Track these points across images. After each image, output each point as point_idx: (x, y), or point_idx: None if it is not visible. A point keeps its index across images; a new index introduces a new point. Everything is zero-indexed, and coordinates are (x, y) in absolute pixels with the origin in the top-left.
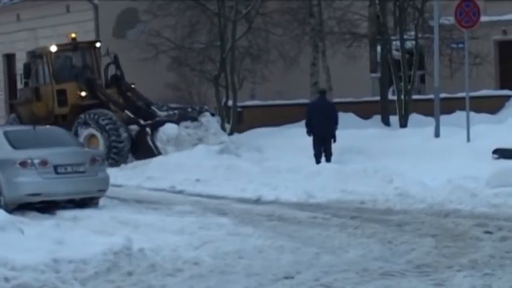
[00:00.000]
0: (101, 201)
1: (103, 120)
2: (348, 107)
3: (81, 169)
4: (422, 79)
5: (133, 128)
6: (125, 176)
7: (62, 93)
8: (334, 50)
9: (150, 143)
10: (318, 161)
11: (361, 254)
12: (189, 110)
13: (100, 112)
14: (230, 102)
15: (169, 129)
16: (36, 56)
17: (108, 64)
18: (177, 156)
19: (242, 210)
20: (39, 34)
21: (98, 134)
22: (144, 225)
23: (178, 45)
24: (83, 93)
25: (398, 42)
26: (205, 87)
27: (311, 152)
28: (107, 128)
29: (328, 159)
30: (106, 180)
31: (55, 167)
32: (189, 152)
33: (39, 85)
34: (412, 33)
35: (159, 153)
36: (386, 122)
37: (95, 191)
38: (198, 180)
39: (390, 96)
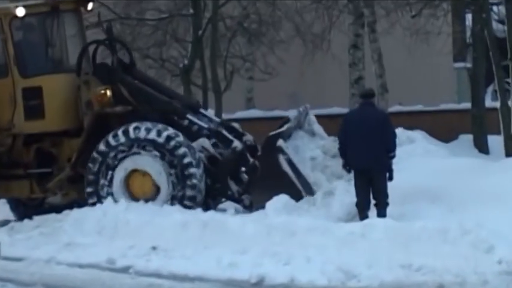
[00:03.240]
0: None
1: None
2: (414, 119)
3: None
4: None
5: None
6: (28, 242)
7: (33, 94)
8: (391, 22)
9: (289, 170)
10: (362, 214)
11: None
12: (301, 110)
13: (157, 127)
14: (211, 112)
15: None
16: None
17: (102, 41)
18: (118, 206)
19: None
20: None
21: (140, 159)
22: None
23: (119, 15)
24: (108, 93)
25: (502, 8)
26: (168, 86)
27: (352, 197)
28: (177, 154)
29: (380, 212)
30: None
31: None
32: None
33: None
34: None
35: (310, 191)
36: (482, 147)
37: None
38: (154, 248)
39: (489, 103)
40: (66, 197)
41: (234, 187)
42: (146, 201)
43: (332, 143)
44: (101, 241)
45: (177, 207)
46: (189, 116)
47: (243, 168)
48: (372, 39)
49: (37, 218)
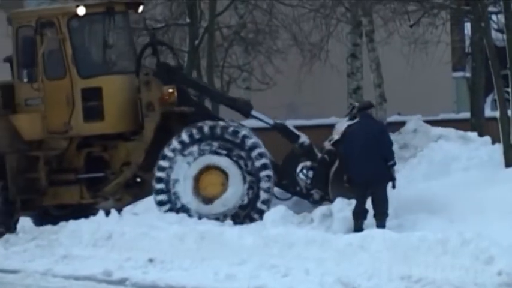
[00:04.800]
0: None
1: (252, 143)
2: None
3: None
4: None
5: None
6: (24, 254)
7: (93, 94)
8: (389, 31)
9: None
10: (357, 224)
11: None
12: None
13: (235, 127)
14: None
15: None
16: (43, 24)
17: (146, 46)
18: (112, 218)
19: None
20: None
21: (232, 168)
22: None
23: None
24: (175, 92)
25: (502, 17)
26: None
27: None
28: (257, 162)
29: (380, 222)
30: None
31: None
32: None
33: (38, 79)
34: None
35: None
36: None
37: None
38: (151, 260)
39: (488, 112)
40: (119, 202)
41: (301, 182)
42: (204, 198)
43: None
44: (97, 252)
45: (175, 219)
46: (253, 113)
47: (310, 163)
48: (370, 49)
49: (33, 230)
